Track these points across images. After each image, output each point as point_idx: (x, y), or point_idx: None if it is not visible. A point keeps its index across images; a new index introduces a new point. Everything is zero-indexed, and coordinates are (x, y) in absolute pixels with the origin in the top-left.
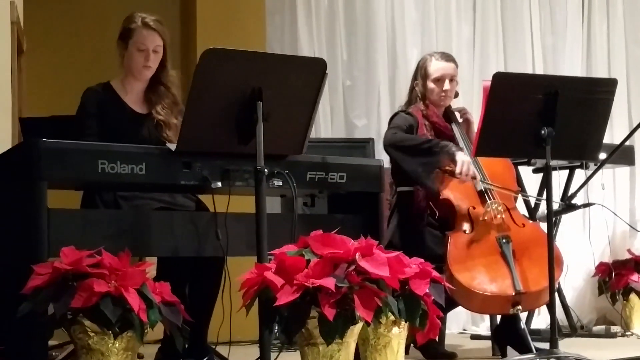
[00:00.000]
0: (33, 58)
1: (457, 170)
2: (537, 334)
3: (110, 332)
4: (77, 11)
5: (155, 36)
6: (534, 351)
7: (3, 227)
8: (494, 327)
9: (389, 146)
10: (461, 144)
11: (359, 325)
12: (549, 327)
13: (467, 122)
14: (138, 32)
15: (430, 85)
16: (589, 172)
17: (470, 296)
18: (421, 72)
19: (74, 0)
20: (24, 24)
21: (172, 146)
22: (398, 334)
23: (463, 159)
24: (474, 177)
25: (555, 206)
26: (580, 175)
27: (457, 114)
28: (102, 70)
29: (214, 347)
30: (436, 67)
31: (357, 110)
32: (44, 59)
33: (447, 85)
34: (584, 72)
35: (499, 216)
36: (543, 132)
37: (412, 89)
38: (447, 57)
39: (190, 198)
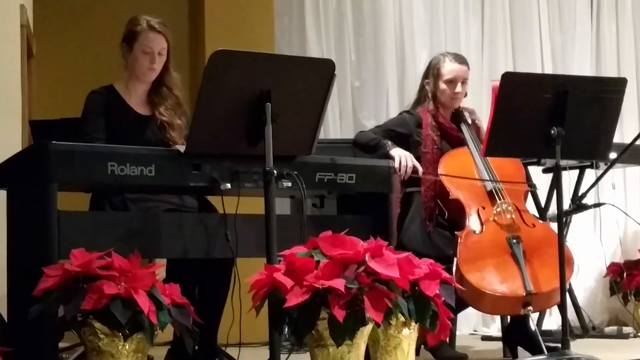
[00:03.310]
0: (43, 61)
1: (396, 164)
2: (548, 335)
3: (120, 334)
4: (87, 14)
5: (161, 38)
6: (546, 352)
7: (14, 229)
8: (504, 328)
9: (353, 145)
10: (470, 144)
11: (369, 326)
12: (560, 327)
13: (476, 127)
14: (144, 35)
15: (442, 86)
16: (600, 171)
17: (481, 297)
18: (433, 72)
19: (83, 3)
20: (34, 27)
21: (182, 148)
22: (408, 335)
23: (399, 153)
24: (415, 172)
25: (566, 206)
26: (590, 175)
27: (467, 114)
28: (111, 73)
29: (223, 348)
30: (450, 69)
31: (365, 111)
32: (53, 62)
33: (459, 87)
34: (594, 72)
35: (508, 216)
36: (553, 131)
37: (422, 87)
38: (461, 60)
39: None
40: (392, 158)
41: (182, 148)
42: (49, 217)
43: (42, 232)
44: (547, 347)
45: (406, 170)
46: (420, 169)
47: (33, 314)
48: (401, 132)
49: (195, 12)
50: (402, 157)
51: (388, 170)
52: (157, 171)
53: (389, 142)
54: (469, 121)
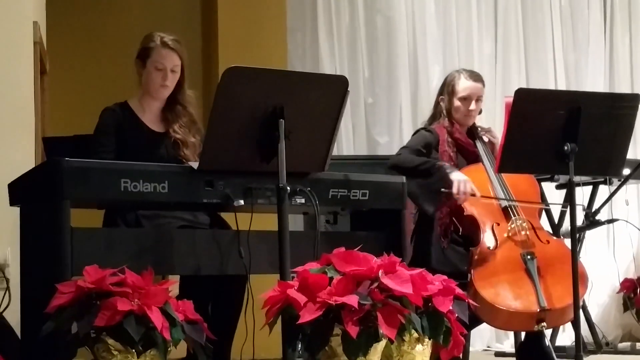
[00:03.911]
0: (56, 78)
1: (454, 190)
2: (562, 351)
3: (134, 350)
4: (100, 31)
5: (174, 56)
6: None
7: (27, 246)
8: (518, 344)
9: (391, 167)
10: (485, 160)
11: (383, 342)
12: (574, 343)
13: (492, 145)
14: (156, 52)
15: (457, 103)
16: (613, 187)
17: (495, 312)
18: (448, 89)
19: (97, 20)
20: (47, 44)
21: (195, 164)
22: (422, 352)
23: (458, 178)
24: (472, 194)
25: (579, 222)
26: (604, 191)
27: (483, 132)
28: (124, 89)
29: None
30: (464, 86)
31: (379, 127)
32: (66, 79)
33: (473, 105)
34: (607, 88)
35: (523, 232)
36: (566, 147)
37: (437, 103)
38: (476, 77)
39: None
40: (449, 183)
41: (195, 165)
42: (62, 234)
43: (55, 249)
44: None
45: (465, 196)
46: (477, 193)
47: (46, 330)
48: (428, 150)
49: (208, 29)
50: (460, 183)
51: (401, 186)
52: (170, 188)
53: (447, 164)
54: (485, 139)
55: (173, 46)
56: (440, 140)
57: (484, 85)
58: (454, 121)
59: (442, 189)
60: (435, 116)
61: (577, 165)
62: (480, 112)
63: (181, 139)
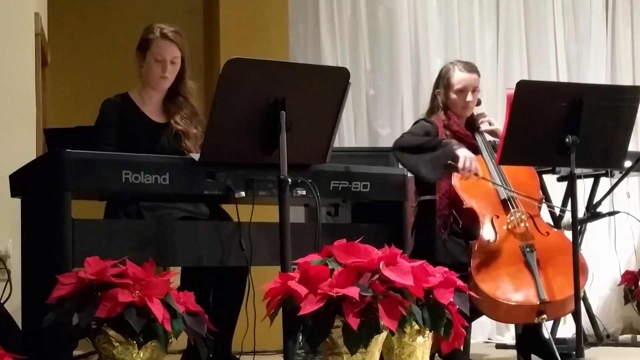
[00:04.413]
0: (57, 70)
1: (460, 165)
2: (563, 343)
3: (135, 342)
4: (101, 23)
5: (173, 47)
6: (559, 359)
7: (28, 237)
8: (517, 337)
9: (395, 150)
10: (484, 152)
11: (383, 334)
12: (574, 336)
13: (494, 132)
14: (156, 43)
15: (453, 95)
16: (614, 180)
17: (495, 306)
18: (444, 82)
19: (98, 12)
20: (48, 36)
21: (196, 156)
22: (422, 344)
23: (465, 154)
24: (476, 174)
25: (580, 214)
26: (605, 183)
27: (485, 121)
28: (126, 81)
29: (238, 356)
30: (459, 78)
31: (380, 119)
32: (68, 71)
33: (469, 96)
34: (609, 80)
35: (522, 225)
36: (567, 140)
37: (433, 97)
38: (470, 68)
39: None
40: (456, 157)
41: (196, 156)
42: (63, 226)
43: (56, 240)
44: (561, 356)
45: (469, 173)
46: (480, 173)
47: (47, 322)
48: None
49: (210, 20)
50: (467, 158)
51: (402, 178)
52: (172, 179)
53: (454, 140)
54: (485, 127)
55: (172, 38)
56: (440, 133)
57: (479, 75)
58: (451, 114)
59: (449, 162)
60: (432, 110)
61: (578, 158)
62: (479, 104)
63: (182, 130)
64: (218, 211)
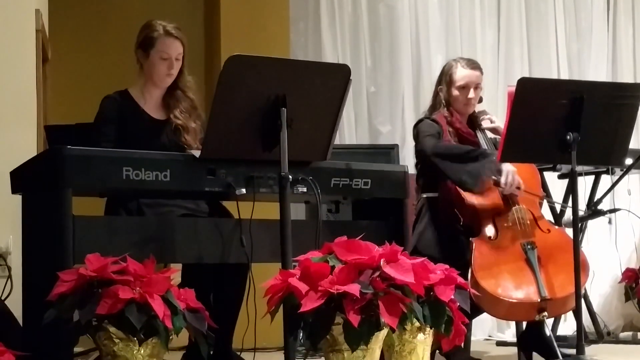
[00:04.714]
0: (58, 66)
1: (503, 180)
2: (563, 340)
3: (135, 338)
4: (102, 19)
5: (177, 44)
6: (560, 357)
7: (29, 234)
8: (519, 334)
9: (434, 155)
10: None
11: (384, 331)
12: (575, 333)
13: (495, 129)
14: (161, 41)
15: (455, 92)
16: (615, 177)
17: (496, 303)
18: (446, 78)
19: (99, 8)
20: (49, 32)
21: (197, 153)
22: (423, 341)
23: (508, 168)
24: (518, 187)
25: (581, 212)
26: (606, 180)
27: (487, 119)
28: (126, 77)
29: (238, 353)
30: (462, 75)
31: (381, 116)
32: (68, 67)
33: (471, 93)
34: (610, 78)
35: (524, 222)
36: (568, 137)
37: (436, 94)
38: (473, 65)
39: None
40: (500, 171)
41: (197, 153)
42: (64, 222)
43: (57, 237)
44: (562, 354)
45: (511, 189)
46: (522, 186)
47: (48, 318)
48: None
49: (210, 17)
50: (509, 173)
51: (403, 175)
52: (172, 176)
53: (495, 152)
54: (486, 124)
55: (176, 34)
56: (443, 131)
57: (481, 72)
58: (453, 111)
59: (493, 177)
60: (434, 107)
61: (579, 155)
62: (480, 101)
63: (182, 125)
64: (218, 208)
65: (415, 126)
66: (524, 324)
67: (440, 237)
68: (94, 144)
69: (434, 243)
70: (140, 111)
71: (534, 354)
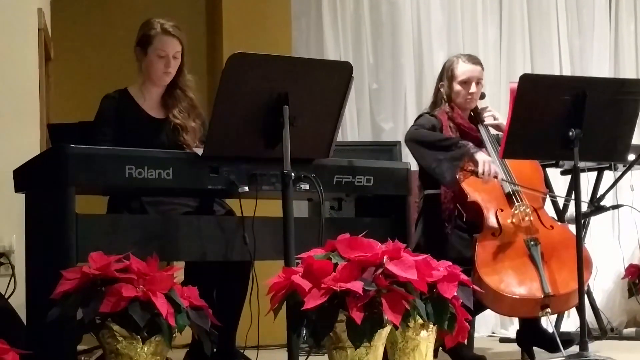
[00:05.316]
0: (60, 65)
1: (480, 170)
2: (566, 337)
3: (139, 336)
4: (104, 18)
5: (175, 42)
6: (562, 348)
7: (32, 232)
8: (516, 332)
9: (410, 141)
10: (488, 145)
11: (387, 328)
12: (578, 329)
13: (497, 126)
14: (158, 39)
15: (457, 87)
16: (618, 173)
17: (499, 299)
18: (447, 74)
19: (101, 7)
20: (52, 31)
21: (199, 151)
22: (426, 338)
23: (484, 158)
24: (495, 176)
25: (584, 208)
26: (609, 176)
27: (490, 115)
28: (129, 76)
29: (242, 351)
30: (463, 70)
31: (383, 113)
32: (71, 66)
33: (473, 88)
34: (612, 74)
35: (527, 218)
36: (571, 133)
37: (437, 90)
38: (474, 60)
39: (219, 203)
40: (474, 161)
41: (199, 151)
42: (67, 221)
43: (60, 236)
44: (562, 342)
45: (489, 176)
46: (500, 175)
47: (51, 317)
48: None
49: (213, 15)
50: (486, 163)
51: (406, 172)
52: (175, 174)
53: (471, 144)
54: (489, 120)
55: (174, 32)
56: (444, 126)
57: (483, 68)
58: (455, 106)
59: (470, 167)
60: (436, 103)
61: (582, 151)
62: (483, 97)
63: (181, 124)
64: (221, 206)
65: (415, 121)
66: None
67: (442, 234)
68: (93, 143)
69: (437, 240)
70: (139, 110)
71: (538, 350)
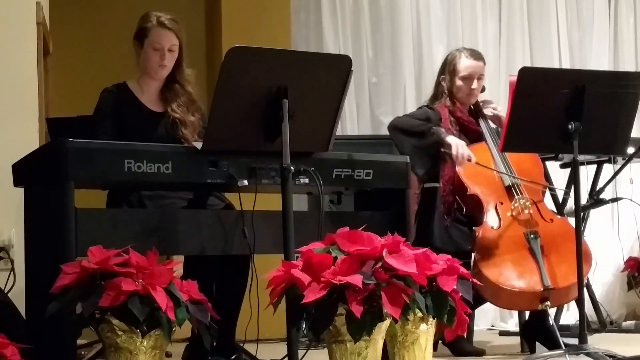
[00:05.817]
0: (59, 59)
1: (453, 152)
2: (566, 330)
3: (138, 330)
4: (103, 12)
5: (171, 35)
6: (563, 347)
7: (31, 227)
8: (522, 323)
9: (390, 127)
10: (488, 139)
11: (387, 322)
12: (577, 322)
13: (497, 118)
14: (153, 31)
15: (458, 82)
16: (617, 166)
17: (498, 292)
18: (449, 68)
19: (100, 1)
20: (50, 25)
21: (198, 145)
22: (426, 331)
23: (455, 141)
24: (469, 159)
25: (584, 201)
26: (608, 169)
27: (490, 107)
28: (127, 70)
29: (242, 344)
30: (465, 65)
31: (383, 107)
32: (70, 60)
33: (475, 84)
34: (611, 67)
35: (526, 211)
36: (570, 126)
37: (438, 83)
38: (477, 55)
39: (218, 197)
40: (447, 145)
41: (199, 145)
42: (66, 215)
43: (59, 230)
44: (564, 343)
45: (463, 159)
46: (473, 158)
47: (51, 311)
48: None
49: (212, 9)
50: (458, 145)
51: (405, 166)
52: (174, 168)
53: (442, 130)
54: (488, 112)
55: (170, 25)
56: (443, 119)
57: (485, 63)
58: (455, 100)
59: (443, 150)
60: (436, 96)
61: (581, 144)
62: (483, 90)
63: (179, 118)
64: (220, 200)
65: None
66: (527, 313)
67: (442, 227)
68: (92, 137)
69: (436, 233)
70: (138, 104)
71: (537, 343)
